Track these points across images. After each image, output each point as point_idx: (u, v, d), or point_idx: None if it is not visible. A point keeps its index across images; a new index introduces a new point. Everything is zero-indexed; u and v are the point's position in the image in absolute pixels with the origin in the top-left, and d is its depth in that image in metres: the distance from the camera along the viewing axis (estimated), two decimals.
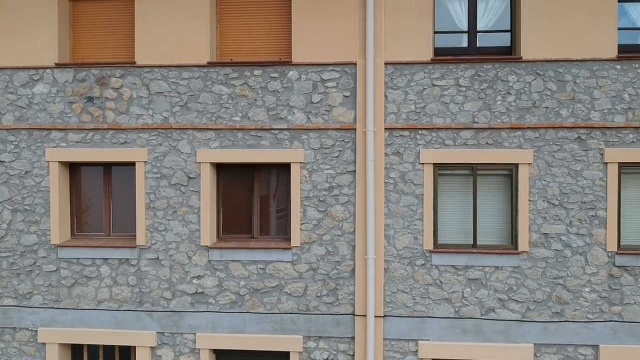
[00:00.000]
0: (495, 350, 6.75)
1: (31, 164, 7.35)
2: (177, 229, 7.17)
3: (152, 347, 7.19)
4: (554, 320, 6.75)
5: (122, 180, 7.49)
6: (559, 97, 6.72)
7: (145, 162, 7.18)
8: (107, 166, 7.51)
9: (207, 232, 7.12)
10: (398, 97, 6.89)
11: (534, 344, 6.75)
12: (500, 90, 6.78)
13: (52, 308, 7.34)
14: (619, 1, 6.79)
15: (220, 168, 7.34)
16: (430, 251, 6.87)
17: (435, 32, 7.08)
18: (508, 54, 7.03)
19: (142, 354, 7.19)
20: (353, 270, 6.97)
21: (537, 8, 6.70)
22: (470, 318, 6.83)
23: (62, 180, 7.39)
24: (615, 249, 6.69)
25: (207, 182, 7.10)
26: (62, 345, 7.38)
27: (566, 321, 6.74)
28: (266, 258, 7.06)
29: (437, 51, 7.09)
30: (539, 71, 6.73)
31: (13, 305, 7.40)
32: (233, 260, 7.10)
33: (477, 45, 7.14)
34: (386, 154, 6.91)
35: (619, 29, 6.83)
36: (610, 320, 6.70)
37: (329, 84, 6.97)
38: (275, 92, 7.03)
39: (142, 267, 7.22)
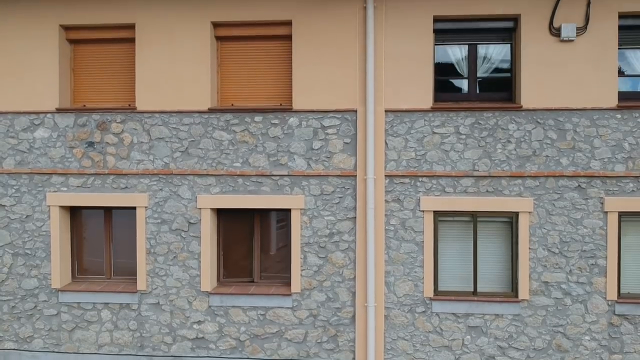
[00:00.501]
0: None
1: (32, 208, 7.36)
2: (178, 274, 7.18)
3: None
4: None
5: (123, 223, 7.50)
6: (559, 145, 6.73)
7: (146, 207, 7.19)
8: (108, 209, 7.52)
9: (208, 278, 7.13)
10: (398, 145, 6.90)
11: None
12: (500, 139, 6.79)
13: (53, 352, 7.35)
14: (619, 47, 6.79)
15: (221, 212, 7.35)
16: (431, 299, 6.88)
17: (435, 78, 7.08)
18: (508, 100, 7.04)
19: None
20: (353, 317, 6.97)
21: (536, 57, 6.71)
22: None
23: (63, 225, 7.41)
24: (615, 297, 6.69)
25: (208, 228, 7.11)
26: None
27: None
28: (266, 304, 7.07)
29: (438, 97, 7.10)
30: (539, 120, 6.74)
31: (14, 349, 7.41)
32: (233, 306, 7.11)
33: (477, 91, 7.15)
34: (386, 201, 6.91)
35: (620, 75, 6.82)
36: None
37: (330, 131, 6.98)
38: (275, 138, 7.04)
39: (142, 312, 7.23)
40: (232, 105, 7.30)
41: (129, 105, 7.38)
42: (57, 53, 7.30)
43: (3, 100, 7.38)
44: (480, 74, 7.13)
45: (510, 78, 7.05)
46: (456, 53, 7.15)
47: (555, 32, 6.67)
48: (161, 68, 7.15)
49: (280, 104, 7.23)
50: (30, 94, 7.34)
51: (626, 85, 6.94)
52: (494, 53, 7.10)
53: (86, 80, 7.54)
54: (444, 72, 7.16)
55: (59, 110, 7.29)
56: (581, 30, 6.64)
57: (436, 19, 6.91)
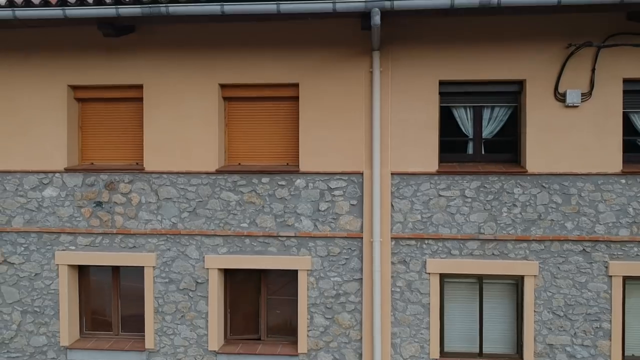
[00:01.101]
0: None
1: (41, 266, 7.42)
2: (185, 334, 7.24)
3: None
4: None
5: (131, 280, 7.56)
6: (564, 209, 6.79)
7: (154, 267, 7.25)
8: (116, 267, 7.58)
9: (215, 337, 7.19)
10: (404, 207, 6.96)
11: None
12: (506, 202, 6.85)
13: None
14: (623, 110, 6.84)
15: (228, 272, 7.41)
16: None
17: (441, 138, 7.14)
18: (514, 161, 7.10)
19: None
20: None
21: (541, 122, 6.77)
22: None
23: (72, 283, 7.47)
24: None
25: (215, 288, 7.17)
26: None
27: None
28: None
29: (443, 157, 7.15)
30: (544, 184, 6.80)
31: None
32: None
33: (483, 151, 7.21)
34: (393, 263, 6.98)
35: (624, 138, 6.87)
36: None
37: (336, 193, 7.04)
38: (282, 199, 7.10)
39: None
40: (240, 164, 7.37)
41: (137, 163, 7.44)
42: (66, 112, 7.36)
43: (12, 159, 7.45)
44: (485, 134, 7.19)
45: (515, 139, 7.10)
46: (461, 114, 7.21)
47: (561, 97, 6.73)
48: (169, 129, 7.21)
49: (287, 164, 7.29)
50: (39, 153, 7.40)
51: (631, 148, 6.98)
52: (500, 114, 7.16)
53: (94, 138, 7.60)
54: (449, 132, 7.22)
55: (68, 170, 7.35)
56: (586, 96, 6.70)
57: (442, 83, 6.97)
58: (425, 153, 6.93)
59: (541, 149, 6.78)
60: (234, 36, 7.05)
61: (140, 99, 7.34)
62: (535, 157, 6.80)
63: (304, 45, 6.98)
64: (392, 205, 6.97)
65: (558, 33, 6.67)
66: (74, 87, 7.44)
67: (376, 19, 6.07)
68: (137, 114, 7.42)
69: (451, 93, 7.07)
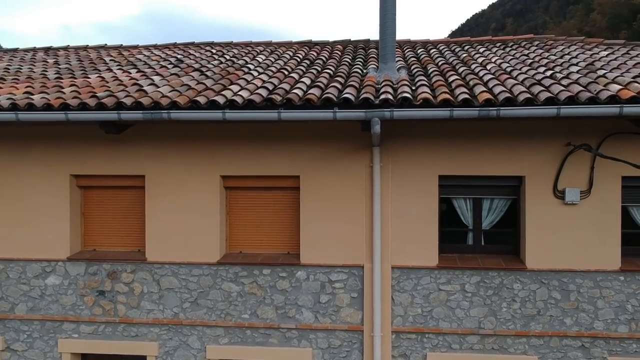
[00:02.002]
0: None
1: (44, 354, 7.48)
2: None
3: None
4: None
5: None
6: (563, 305, 6.83)
7: (156, 356, 7.31)
8: (119, 355, 7.63)
9: None
10: (405, 300, 7.01)
11: None
12: (505, 298, 6.90)
13: None
14: (622, 203, 6.88)
15: None
16: None
17: (440, 229, 7.18)
18: (514, 253, 7.14)
19: None
20: None
21: (541, 219, 6.81)
22: None
23: None
24: None
25: None
26: None
27: None
28: None
29: (443, 247, 7.19)
30: (543, 280, 6.84)
31: None
32: None
33: (483, 242, 7.25)
34: (393, 356, 7.02)
35: (624, 232, 6.90)
36: None
37: (337, 285, 7.09)
38: (283, 291, 7.15)
39: None
40: (241, 252, 7.42)
41: (139, 250, 7.50)
42: (68, 201, 7.42)
43: (15, 247, 7.51)
44: (485, 225, 7.24)
45: (515, 230, 7.15)
46: (461, 204, 7.25)
47: (560, 194, 6.77)
48: (171, 219, 7.27)
49: (288, 252, 7.34)
50: (42, 241, 7.46)
51: (630, 241, 7.02)
52: (499, 205, 7.20)
53: (97, 224, 7.66)
54: (449, 222, 7.27)
55: (70, 259, 7.41)
56: (585, 193, 6.74)
57: (442, 176, 7.01)
58: (425, 246, 6.98)
59: (541, 245, 6.83)
60: (235, 129, 7.09)
61: (143, 187, 7.40)
62: (535, 253, 6.84)
63: (305, 139, 7.02)
64: (392, 299, 7.02)
65: (558, 131, 6.71)
66: (77, 176, 7.49)
67: (376, 128, 6.12)
68: (139, 201, 7.48)
69: (451, 185, 7.11)
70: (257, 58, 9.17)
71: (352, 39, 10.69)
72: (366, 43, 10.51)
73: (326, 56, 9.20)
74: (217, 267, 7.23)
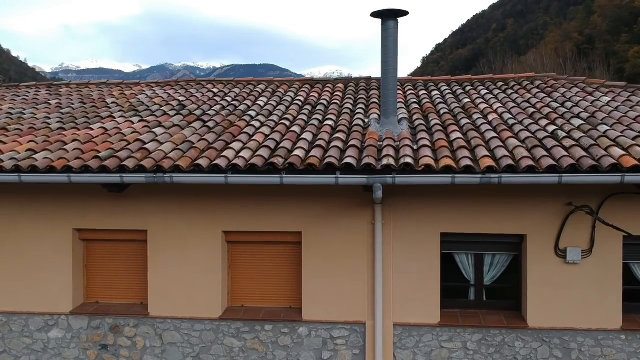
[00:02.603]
0: None
1: None
2: None
3: None
4: None
5: None
6: None
7: None
8: None
9: None
10: (407, 357, 7.03)
11: None
12: (507, 356, 6.92)
13: None
14: (623, 260, 6.90)
15: None
16: None
17: (442, 285, 7.19)
18: (515, 309, 7.16)
19: None
20: None
21: (542, 277, 6.83)
22: None
23: None
24: None
25: None
26: None
27: None
28: None
29: (445, 303, 7.20)
30: (545, 338, 6.86)
31: None
32: None
33: (484, 297, 7.28)
34: None
35: (625, 289, 6.92)
36: None
37: (339, 342, 7.11)
38: (285, 347, 7.18)
39: None
40: (243, 306, 7.45)
41: (142, 303, 7.53)
42: (71, 255, 7.45)
43: (18, 301, 7.53)
44: (487, 280, 7.26)
45: (517, 286, 7.16)
46: (463, 259, 7.27)
47: (561, 253, 6.79)
48: (173, 274, 7.29)
49: (290, 306, 7.37)
50: (45, 294, 7.49)
51: (631, 297, 7.04)
52: (501, 261, 7.22)
53: (99, 277, 7.69)
54: (451, 277, 7.28)
55: (73, 313, 7.43)
56: (586, 253, 6.75)
57: (444, 234, 7.03)
58: (427, 303, 7.00)
59: (542, 303, 6.85)
60: (237, 186, 7.10)
61: (145, 241, 7.41)
62: (536, 311, 6.86)
63: (307, 196, 7.04)
64: (394, 356, 7.04)
65: (559, 191, 6.72)
66: (79, 230, 7.51)
67: (378, 193, 6.14)
68: (141, 254, 7.50)
69: (453, 241, 7.13)
70: (258, 101, 9.18)
71: (353, 77, 10.69)
72: (368, 81, 10.53)
73: (328, 99, 9.21)
74: (219, 322, 7.26)
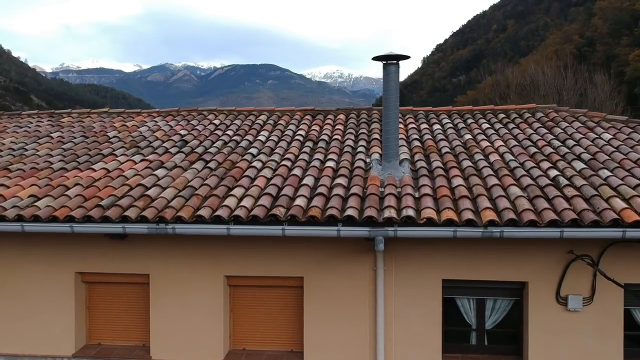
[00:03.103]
0: None
1: None
2: None
3: None
4: None
5: None
6: None
7: None
8: None
9: None
10: None
11: None
12: None
13: None
14: (624, 307, 6.91)
15: None
16: None
17: (444, 328, 7.21)
18: (516, 353, 7.18)
19: None
20: None
21: (543, 324, 6.84)
22: None
23: None
24: None
25: None
26: None
27: None
28: None
29: (446, 347, 7.22)
30: None
31: None
32: None
33: (486, 342, 7.29)
34: None
35: (626, 334, 6.93)
36: None
37: None
38: None
39: None
40: (245, 349, 7.46)
41: (144, 345, 7.54)
42: (73, 298, 7.47)
43: (21, 343, 7.56)
44: (488, 325, 7.27)
45: (518, 331, 7.18)
46: (464, 304, 7.29)
47: (562, 301, 6.81)
48: (175, 317, 7.31)
49: (292, 350, 7.39)
50: (47, 336, 7.51)
51: (632, 343, 7.06)
52: (502, 305, 7.23)
53: (102, 318, 7.71)
54: (452, 321, 7.30)
55: (76, 356, 7.46)
56: (587, 300, 6.77)
57: (445, 280, 7.05)
58: (428, 348, 7.02)
59: (543, 349, 6.86)
60: None
61: (147, 284, 7.43)
62: (537, 357, 6.87)
63: (309, 242, 7.04)
64: None
65: (560, 239, 6.72)
66: (82, 273, 7.54)
67: (380, 246, 6.17)
68: (143, 297, 7.51)
69: (454, 286, 7.15)
70: (260, 136, 9.20)
71: (354, 107, 10.72)
72: (369, 112, 10.55)
73: (329, 134, 9.23)
74: None
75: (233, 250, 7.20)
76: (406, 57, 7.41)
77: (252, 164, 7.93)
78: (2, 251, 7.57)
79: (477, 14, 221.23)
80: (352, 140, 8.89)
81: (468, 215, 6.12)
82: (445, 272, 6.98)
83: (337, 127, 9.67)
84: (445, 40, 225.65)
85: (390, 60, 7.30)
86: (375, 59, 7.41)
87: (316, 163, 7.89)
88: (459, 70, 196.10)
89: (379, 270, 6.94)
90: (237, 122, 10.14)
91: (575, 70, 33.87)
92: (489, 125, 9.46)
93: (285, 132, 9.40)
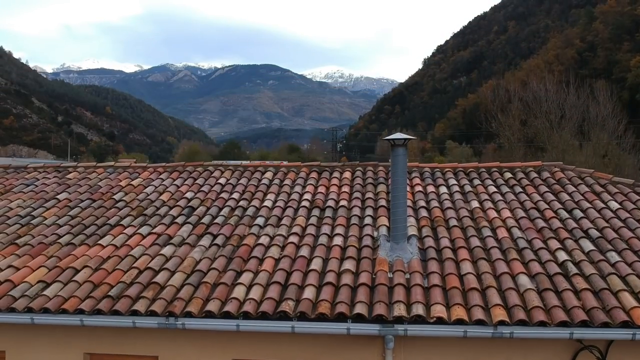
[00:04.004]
0: None
1: None
2: None
3: None
4: None
5: None
6: None
7: None
8: None
9: None
10: None
11: None
12: None
13: None
14: None
15: None
16: None
17: None
18: None
19: None
20: None
21: None
22: None
23: None
24: None
25: None
26: None
27: None
28: None
29: None
30: None
31: None
32: None
33: None
34: None
35: None
36: None
37: None
38: None
39: None
40: None
41: None
42: None
43: None
44: None
45: None
46: None
47: None
48: None
49: None
50: None
51: None
52: None
53: None
54: None
55: None
56: None
57: None
58: None
59: None
60: None
61: None
62: None
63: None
64: None
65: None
66: (91, 353, 7.54)
67: (390, 344, 6.18)
68: None
69: None
70: (266, 201, 9.19)
71: (359, 163, 10.75)
72: (375, 168, 10.55)
73: (335, 198, 9.22)
74: None
75: (243, 333, 7.20)
76: (412, 139, 7.43)
77: (260, 240, 7.94)
78: (12, 329, 7.57)
79: (478, 15, 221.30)
80: (359, 207, 8.89)
81: (478, 314, 6.13)
82: None
83: (343, 188, 9.67)
84: (446, 42, 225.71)
85: (399, 144, 7.31)
86: (386, 140, 7.45)
87: (324, 240, 7.88)
88: (460, 71, 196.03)
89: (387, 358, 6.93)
90: (243, 181, 10.13)
91: (578, 87, 33.90)
92: (495, 189, 9.44)
93: (292, 196, 9.40)
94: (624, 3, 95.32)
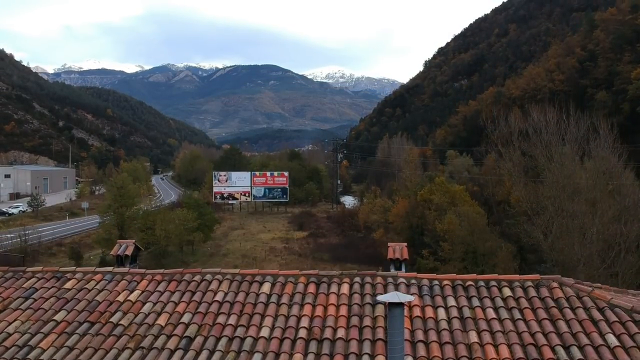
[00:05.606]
0: None
1: None
2: None
3: None
4: None
5: None
6: None
7: None
8: None
9: None
10: None
11: None
12: None
13: None
14: None
15: None
16: None
17: None
18: None
19: None
20: None
21: None
22: None
23: None
24: None
25: None
26: None
27: None
28: None
29: None
30: None
31: None
32: None
33: None
34: None
35: None
36: None
37: None
38: None
39: None
40: None
41: None
42: None
43: None
44: None
45: None
46: None
47: None
48: None
49: None
50: None
51: None
52: None
53: None
54: None
55: None
56: None
57: None
58: None
59: None
60: None
61: None
62: None
63: None
64: None
65: None
66: None
67: None
68: None
69: None
70: (263, 330, 9.18)
71: (358, 272, 10.75)
72: (373, 280, 10.54)
73: (333, 326, 9.21)
74: None
75: None
76: (411, 299, 7.41)
77: None
78: None
79: (479, 17, 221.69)
80: (356, 340, 8.88)
81: None
82: None
83: (340, 310, 9.66)
84: (447, 44, 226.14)
85: (396, 304, 7.28)
86: (382, 298, 7.43)
87: None
88: (461, 74, 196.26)
89: None
90: (240, 297, 10.13)
91: (578, 119, 33.97)
92: (494, 314, 9.43)
93: (289, 322, 9.39)
94: (625, 11, 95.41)
